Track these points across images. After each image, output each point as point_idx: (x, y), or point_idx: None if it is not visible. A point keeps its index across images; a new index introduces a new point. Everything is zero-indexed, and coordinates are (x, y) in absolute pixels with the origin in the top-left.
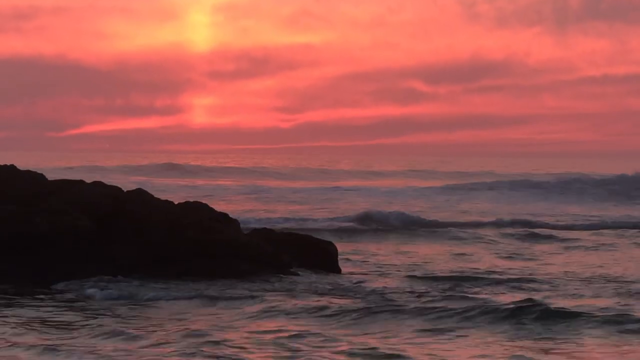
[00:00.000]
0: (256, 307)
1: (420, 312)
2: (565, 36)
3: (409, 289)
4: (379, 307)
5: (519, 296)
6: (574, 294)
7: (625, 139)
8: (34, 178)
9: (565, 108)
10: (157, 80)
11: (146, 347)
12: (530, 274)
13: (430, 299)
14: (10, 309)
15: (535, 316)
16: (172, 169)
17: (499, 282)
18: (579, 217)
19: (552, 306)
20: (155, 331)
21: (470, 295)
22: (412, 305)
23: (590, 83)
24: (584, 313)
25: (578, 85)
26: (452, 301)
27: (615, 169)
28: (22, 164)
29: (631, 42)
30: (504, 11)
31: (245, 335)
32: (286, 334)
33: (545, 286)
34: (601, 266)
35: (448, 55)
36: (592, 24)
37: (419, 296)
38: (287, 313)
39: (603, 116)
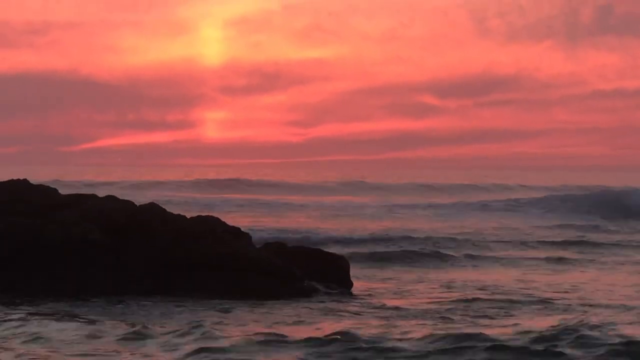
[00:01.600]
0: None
1: None
2: (575, 50)
3: None
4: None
5: None
6: None
7: (637, 152)
8: (46, 192)
9: (576, 122)
10: (168, 94)
11: None
12: None
13: None
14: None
15: None
16: (230, 185)
17: None
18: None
19: None
20: None
21: None
22: None
23: (601, 97)
24: None
25: (589, 100)
26: None
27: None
28: (34, 178)
29: None
30: (514, 26)
31: None
32: None
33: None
34: None
35: (459, 70)
36: (602, 38)
37: None
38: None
39: (614, 130)
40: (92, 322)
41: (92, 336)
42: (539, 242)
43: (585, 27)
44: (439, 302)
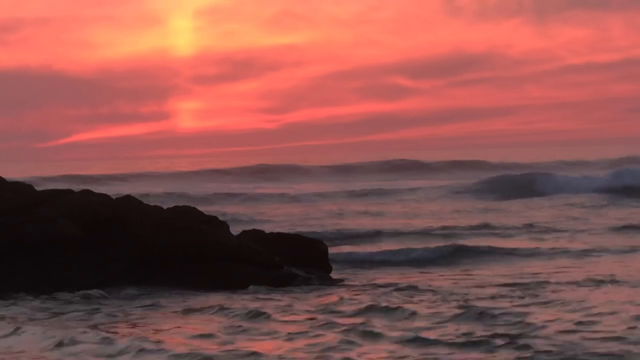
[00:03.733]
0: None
1: None
2: (546, 26)
3: None
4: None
5: None
6: None
7: (610, 125)
8: (22, 189)
9: (549, 98)
10: (142, 87)
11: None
12: None
13: None
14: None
15: None
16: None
17: None
18: None
19: None
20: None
21: None
22: None
23: (572, 72)
24: None
25: (561, 75)
26: None
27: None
28: (10, 175)
29: (612, 30)
30: (484, 4)
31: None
32: None
33: None
34: None
35: (431, 50)
36: (572, 12)
37: None
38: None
39: (587, 104)
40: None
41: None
42: None
43: (554, 2)
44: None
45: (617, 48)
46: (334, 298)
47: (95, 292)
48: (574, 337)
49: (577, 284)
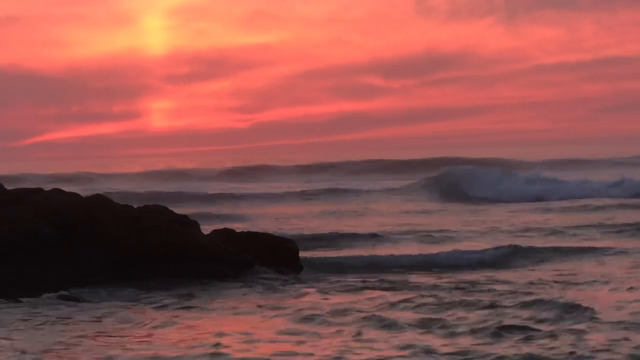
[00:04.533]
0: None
1: None
2: (517, 26)
3: None
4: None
5: None
6: None
7: (580, 125)
8: None
9: (520, 97)
10: (113, 86)
11: None
12: None
13: None
14: None
15: None
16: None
17: None
18: None
19: None
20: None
21: None
22: None
23: (543, 71)
24: None
25: (532, 74)
26: None
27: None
28: None
29: (583, 30)
30: (455, 4)
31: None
32: None
33: None
34: None
35: (402, 50)
36: (543, 12)
37: None
38: None
39: (558, 104)
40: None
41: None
42: None
43: (525, 2)
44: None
45: (588, 48)
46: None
47: (66, 293)
48: None
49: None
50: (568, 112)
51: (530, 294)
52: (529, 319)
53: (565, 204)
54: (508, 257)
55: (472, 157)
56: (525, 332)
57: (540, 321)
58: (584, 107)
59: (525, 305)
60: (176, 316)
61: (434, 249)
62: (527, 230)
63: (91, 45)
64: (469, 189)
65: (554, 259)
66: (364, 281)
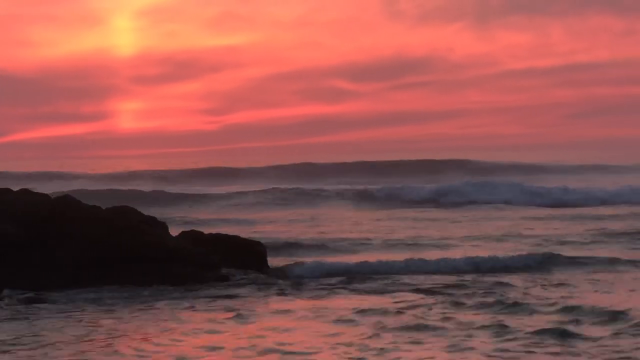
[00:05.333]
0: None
1: None
2: (486, 31)
3: None
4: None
5: None
6: None
7: (550, 130)
8: None
9: (490, 102)
10: (82, 86)
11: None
12: None
13: None
14: None
15: None
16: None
17: None
18: None
19: None
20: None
21: None
22: None
23: (513, 76)
24: None
25: (501, 79)
26: None
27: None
28: None
29: (552, 35)
30: (425, 8)
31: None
32: None
33: None
34: None
35: (372, 53)
36: (513, 17)
37: None
38: None
39: (527, 109)
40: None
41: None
42: None
43: (495, 7)
44: None
45: (557, 53)
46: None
47: (34, 294)
48: None
49: None
50: (537, 117)
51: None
52: (566, 322)
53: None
54: (542, 263)
55: (439, 158)
56: (567, 336)
57: (581, 324)
58: (554, 113)
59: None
60: (139, 327)
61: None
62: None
63: (60, 45)
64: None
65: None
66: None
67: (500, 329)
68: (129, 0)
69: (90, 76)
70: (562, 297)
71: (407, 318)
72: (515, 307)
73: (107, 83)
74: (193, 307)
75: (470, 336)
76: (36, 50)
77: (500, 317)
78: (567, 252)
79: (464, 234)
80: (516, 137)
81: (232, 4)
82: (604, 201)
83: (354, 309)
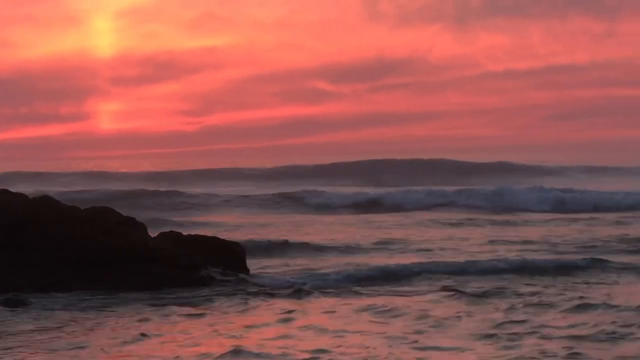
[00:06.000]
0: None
1: None
2: (466, 33)
3: None
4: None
5: None
6: None
7: (529, 132)
8: None
9: (469, 104)
10: (61, 87)
11: None
12: None
13: None
14: None
15: None
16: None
17: None
18: None
19: None
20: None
21: None
22: None
23: (492, 78)
24: None
25: (481, 81)
26: None
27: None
28: None
29: (531, 37)
30: (405, 9)
31: None
32: None
33: None
34: None
35: (352, 55)
36: (492, 19)
37: None
38: None
39: (506, 110)
40: None
41: None
42: None
43: (474, 9)
44: None
45: (537, 55)
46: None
47: (12, 296)
48: None
49: None
50: (517, 119)
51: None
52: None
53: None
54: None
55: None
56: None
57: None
58: (533, 114)
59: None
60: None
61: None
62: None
63: (39, 46)
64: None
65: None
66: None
67: None
68: (108, 1)
69: (69, 77)
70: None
71: None
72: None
73: (87, 84)
74: (168, 314)
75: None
76: (15, 51)
77: None
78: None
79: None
80: (496, 138)
81: (212, 5)
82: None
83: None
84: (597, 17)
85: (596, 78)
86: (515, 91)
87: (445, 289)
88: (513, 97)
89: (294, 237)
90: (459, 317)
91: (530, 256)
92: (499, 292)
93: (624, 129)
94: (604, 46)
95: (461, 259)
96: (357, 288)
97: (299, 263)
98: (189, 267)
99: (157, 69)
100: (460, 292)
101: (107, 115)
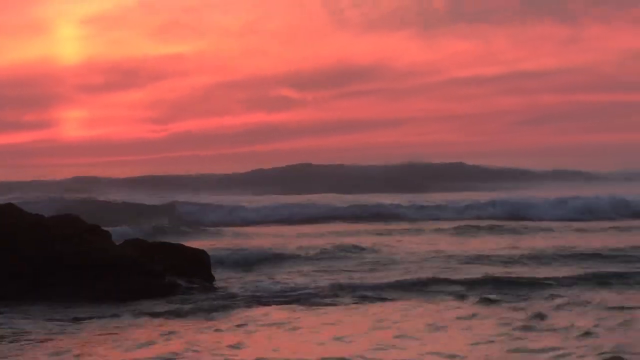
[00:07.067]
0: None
1: None
2: (431, 39)
3: None
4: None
5: None
6: None
7: (496, 138)
8: None
9: (435, 110)
10: (26, 95)
11: None
12: None
13: None
14: None
15: None
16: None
17: None
18: None
19: None
20: None
21: None
22: None
23: (458, 85)
24: None
25: (447, 87)
26: None
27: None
28: None
29: (496, 43)
30: (370, 16)
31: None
32: None
33: None
34: None
35: (317, 62)
36: (457, 26)
37: None
38: None
39: (473, 117)
40: None
41: None
42: None
43: (439, 15)
44: None
45: (503, 61)
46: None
47: None
48: None
49: None
50: (483, 125)
51: None
52: None
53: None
54: None
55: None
56: None
57: None
58: (499, 120)
59: None
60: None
61: None
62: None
63: (4, 54)
64: None
65: None
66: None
67: None
68: (74, 9)
69: (34, 85)
70: None
71: None
72: None
73: (52, 91)
74: (136, 324)
75: None
76: None
77: None
78: None
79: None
80: (462, 144)
81: (177, 12)
82: None
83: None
84: (562, 23)
85: (561, 83)
86: (481, 97)
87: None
88: (479, 103)
89: None
90: None
91: None
92: None
93: (590, 134)
94: (569, 52)
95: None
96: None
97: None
98: (152, 274)
99: (123, 76)
100: None
101: (73, 123)
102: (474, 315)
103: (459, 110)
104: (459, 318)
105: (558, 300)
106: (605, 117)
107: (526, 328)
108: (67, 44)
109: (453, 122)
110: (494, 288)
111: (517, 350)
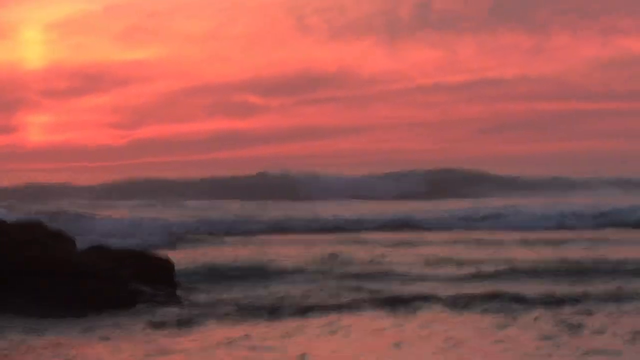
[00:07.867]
0: None
1: None
2: (396, 47)
3: None
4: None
5: None
6: None
7: (460, 145)
8: None
9: (399, 117)
10: None
11: None
12: None
13: None
14: None
15: None
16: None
17: None
18: None
19: None
20: None
21: None
22: None
23: (422, 92)
24: None
25: (411, 95)
26: None
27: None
28: None
29: (461, 51)
30: (334, 23)
31: None
32: None
33: None
34: None
35: (281, 68)
36: (422, 34)
37: None
38: None
39: (437, 124)
40: None
41: None
42: None
43: (404, 23)
44: None
45: (467, 69)
46: None
47: None
48: None
49: None
50: (447, 132)
51: None
52: None
53: None
54: None
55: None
56: None
57: None
58: (463, 128)
59: None
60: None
61: None
62: None
63: None
64: None
65: None
66: None
67: None
68: (38, 13)
69: None
70: None
71: None
72: None
73: (16, 96)
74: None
75: None
76: None
77: None
78: None
79: None
80: (426, 152)
81: (141, 17)
82: None
83: None
84: (527, 32)
85: (526, 92)
86: (445, 105)
87: None
88: (443, 111)
89: None
90: None
91: None
92: None
93: (554, 142)
94: (534, 61)
95: None
96: None
97: None
98: (116, 282)
99: (87, 81)
100: None
101: (37, 128)
102: None
103: (423, 117)
104: None
105: None
106: (570, 126)
107: None
108: (31, 48)
109: (417, 129)
110: None
111: None
